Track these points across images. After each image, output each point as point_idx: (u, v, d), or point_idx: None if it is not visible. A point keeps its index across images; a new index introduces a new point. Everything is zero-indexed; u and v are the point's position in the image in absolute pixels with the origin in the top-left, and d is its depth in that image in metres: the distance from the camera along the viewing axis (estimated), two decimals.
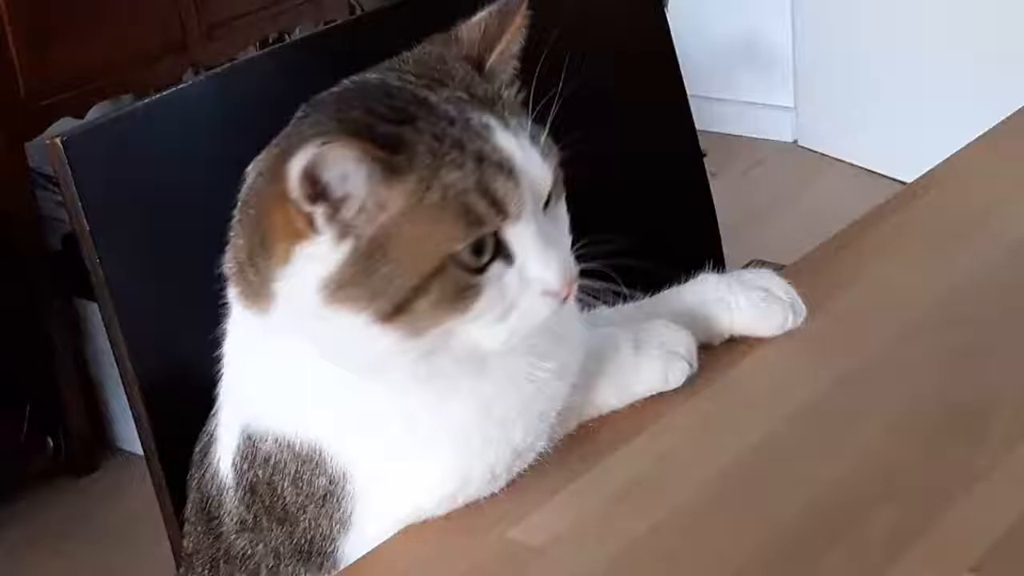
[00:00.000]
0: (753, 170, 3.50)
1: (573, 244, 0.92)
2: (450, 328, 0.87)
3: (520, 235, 0.86)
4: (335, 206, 0.83)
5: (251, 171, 0.92)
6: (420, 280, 0.84)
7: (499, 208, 0.85)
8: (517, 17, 0.92)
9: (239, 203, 0.92)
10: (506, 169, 0.85)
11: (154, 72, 2.51)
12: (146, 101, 1.21)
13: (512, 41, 0.93)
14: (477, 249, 0.85)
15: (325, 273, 0.84)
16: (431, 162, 0.84)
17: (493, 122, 0.87)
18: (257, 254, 0.88)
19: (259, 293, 0.89)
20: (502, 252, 0.86)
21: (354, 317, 0.85)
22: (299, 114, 0.91)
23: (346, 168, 0.82)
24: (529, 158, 0.87)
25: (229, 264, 0.93)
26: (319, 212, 0.83)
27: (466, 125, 0.86)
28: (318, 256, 0.84)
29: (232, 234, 0.92)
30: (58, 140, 1.11)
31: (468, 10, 1.10)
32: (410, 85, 0.89)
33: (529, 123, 0.89)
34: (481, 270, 0.86)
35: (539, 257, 0.87)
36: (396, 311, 0.84)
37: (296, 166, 0.81)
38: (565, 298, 0.88)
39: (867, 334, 1.10)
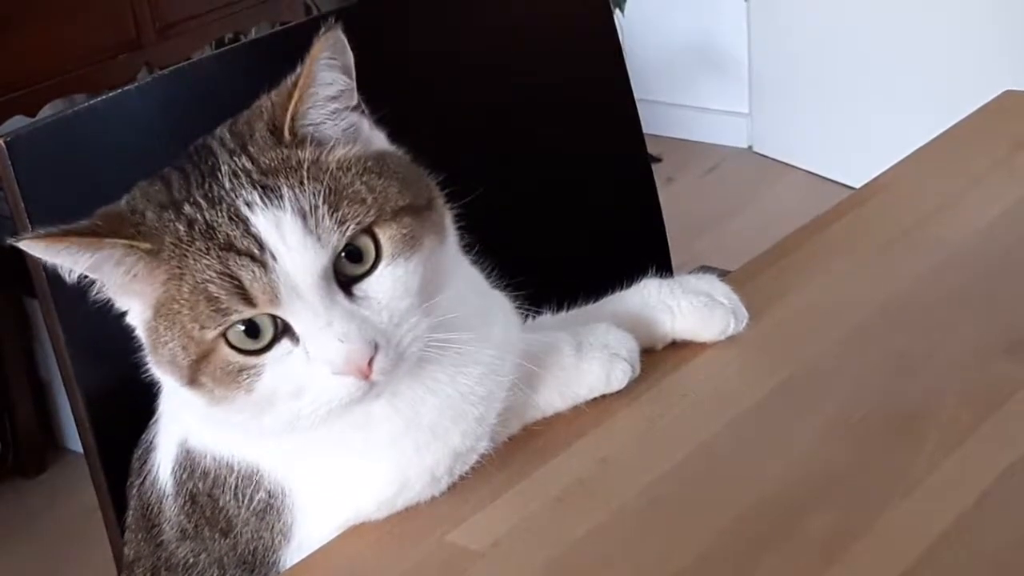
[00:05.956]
0: (708, 175, 3.52)
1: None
2: (251, 404, 0.86)
3: (296, 316, 0.84)
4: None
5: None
6: (192, 360, 0.85)
7: (243, 296, 0.83)
8: (309, 68, 0.86)
9: None
10: (257, 257, 0.82)
11: (108, 71, 2.49)
12: (92, 101, 1.19)
13: (304, 96, 0.86)
14: (252, 331, 0.84)
15: (141, 334, 0.88)
16: (178, 251, 0.84)
17: (259, 200, 0.83)
18: None
19: None
20: (289, 331, 0.85)
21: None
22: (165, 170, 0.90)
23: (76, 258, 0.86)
24: (290, 241, 0.83)
25: None
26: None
27: (230, 207, 0.84)
28: (134, 315, 0.89)
29: None
30: (1, 140, 1.10)
31: (419, 9, 1.09)
32: (211, 157, 0.87)
33: (323, 192, 0.84)
34: (261, 351, 0.84)
35: (316, 337, 0.84)
36: (190, 383, 0.86)
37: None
38: (367, 377, 0.85)
39: (808, 340, 1.11)
